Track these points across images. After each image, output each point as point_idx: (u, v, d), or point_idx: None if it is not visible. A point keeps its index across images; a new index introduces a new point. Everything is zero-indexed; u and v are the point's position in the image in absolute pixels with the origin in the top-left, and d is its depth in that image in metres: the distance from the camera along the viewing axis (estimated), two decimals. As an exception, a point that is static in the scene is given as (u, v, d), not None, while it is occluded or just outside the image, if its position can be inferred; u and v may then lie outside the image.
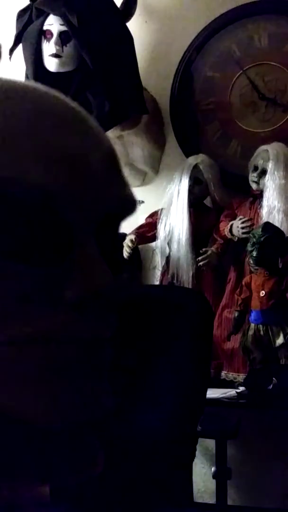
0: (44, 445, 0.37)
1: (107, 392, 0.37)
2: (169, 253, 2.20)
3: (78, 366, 0.36)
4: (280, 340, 1.93)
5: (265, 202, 2.07)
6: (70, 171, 0.37)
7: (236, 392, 1.97)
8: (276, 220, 2.02)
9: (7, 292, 0.35)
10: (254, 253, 1.93)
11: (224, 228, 2.17)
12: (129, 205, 0.41)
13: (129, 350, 0.82)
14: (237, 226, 2.12)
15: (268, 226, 1.94)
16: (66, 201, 0.36)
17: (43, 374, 0.35)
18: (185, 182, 2.18)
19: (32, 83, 0.40)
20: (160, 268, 2.28)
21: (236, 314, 2.05)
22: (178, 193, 2.19)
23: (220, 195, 2.26)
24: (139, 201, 2.37)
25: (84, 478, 0.38)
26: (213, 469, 1.98)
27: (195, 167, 2.21)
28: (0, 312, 0.34)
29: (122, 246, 2.20)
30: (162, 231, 2.21)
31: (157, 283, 2.28)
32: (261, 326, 1.96)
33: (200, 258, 2.16)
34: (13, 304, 0.35)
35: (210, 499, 2.12)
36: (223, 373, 2.12)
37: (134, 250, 2.26)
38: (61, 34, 2.03)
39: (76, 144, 0.38)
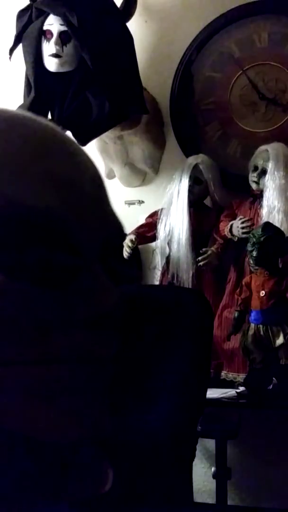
0: (53, 462, 0.38)
1: (107, 410, 0.39)
2: (169, 253, 2.20)
3: (88, 385, 0.37)
4: (280, 340, 1.92)
5: (265, 202, 2.07)
6: (71, 195, 0.38)
7: (236, 392, 1.97)
8: (276, 220, 2.02)
9: (23, 313, 0.35)
10: (254, 253, 1.93)
11: (224, 228, 2.17)
12: (118, 228, 0.43)
13: (129, 351, 0.82)
14: (237, 226, 2.12)
15: (268, 226, 1.94)
16: (72, 224, 0.37)
17: (56, 393, 0.36)
18: (185, 182, 2.18)
19: (18, 111, 0.41)
20: (160, 268, 2.28)
21: (236, 314, 2.04)
22: (178, 193, 2.18)
23: (220, 195, 2.26)
24: (139, 201, 2.35)
25: (92, 495, 0.39)
26: (213, 469, 1.98)
27: (195, 167, 2.21)
28: (18, 333, 0.35)
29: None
30: (162, 231, 2.21)
31: (157, 283, 2.28)
32: (261, 326, 1.95)
33: (200, 258, 2.16)
34: (28, 325, 0.35)
35: (210, 499, 2.12)
36: (223, 373, 2.12)
37: (134, 250, 2.26)
38: (61, 34, 2.03)
39: (70, 169, 0.39)
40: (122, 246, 0.43)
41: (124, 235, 0.44)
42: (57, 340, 0.36)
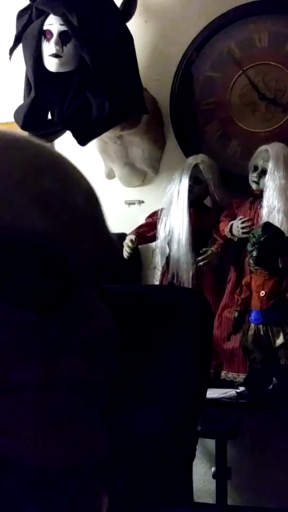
0: (46, 490, 0.37)
1: (105, 437, 0.38)
2: (169, 253, 2.20)
3: (80, 410, 0.37)
4: (280, 340, 1.93)
5: (265, 202, 2.07)
6: (64, 217, 0.37)
7: (236, 392, 1.97)
8: (276, 220, 2.02)
9: (15, 338, 0.35)
10: (254, 253, 1.93)
11: (224, 228, 2.17)
12: (113, 248, 0.42)
13: (129, 351, 0.82)
14: (237, 226, 2.12)
15: (268, 226, 1.94)
16: (66, 247, 0.36)
17: (47, 419, 0.36)
18: (185, 182, 2.18)
19: (8, 131, 0.40)
20: (160, 268, 2.28)
21: (236, 314, 2.04)
22: (178, 193, 2.18)
23: (220, 195, 2.26)
24: (139, 201, 2.35)
25: None
26: (213, 469, 1.98)
27: (195, 167, 2.21)
28: (20, 359, 0.35)
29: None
30: (162, 231, 2.21)
31: (157, 283, 2.28)
32: (261, 326, 1.96)
33: (200, 258, 2.16)
34: (29, 351, 0.35)
35: (210, 499, 2.12)
36: (223, 373, 2.12)
37: (134, 250, 2.26)
38: (61, 34, 2.03)
39: (63, 190, 0.38)
40: (117, 265, 0.43)
41: (118, 255, 0.43)
42: (56, 366, 0.35)
